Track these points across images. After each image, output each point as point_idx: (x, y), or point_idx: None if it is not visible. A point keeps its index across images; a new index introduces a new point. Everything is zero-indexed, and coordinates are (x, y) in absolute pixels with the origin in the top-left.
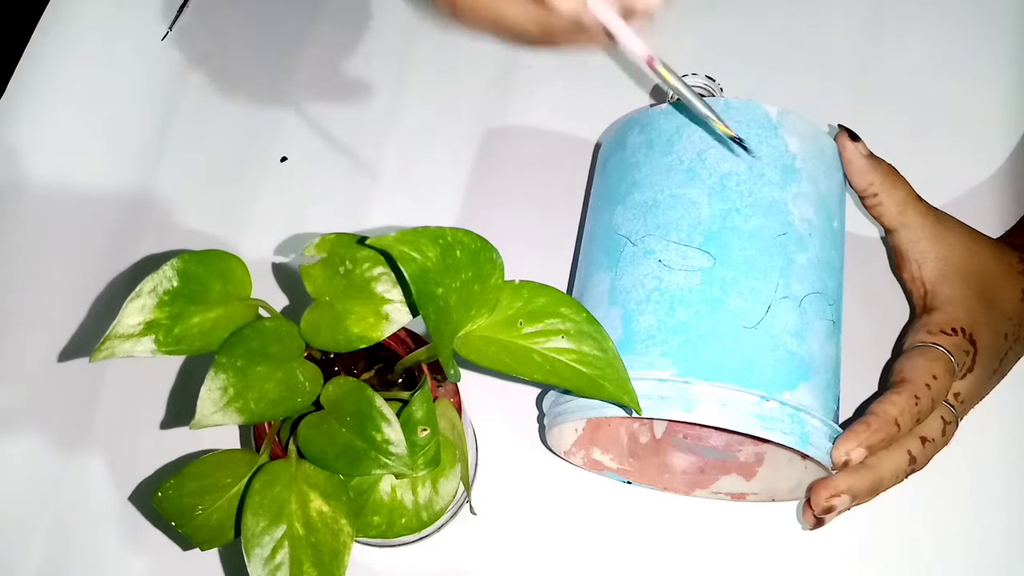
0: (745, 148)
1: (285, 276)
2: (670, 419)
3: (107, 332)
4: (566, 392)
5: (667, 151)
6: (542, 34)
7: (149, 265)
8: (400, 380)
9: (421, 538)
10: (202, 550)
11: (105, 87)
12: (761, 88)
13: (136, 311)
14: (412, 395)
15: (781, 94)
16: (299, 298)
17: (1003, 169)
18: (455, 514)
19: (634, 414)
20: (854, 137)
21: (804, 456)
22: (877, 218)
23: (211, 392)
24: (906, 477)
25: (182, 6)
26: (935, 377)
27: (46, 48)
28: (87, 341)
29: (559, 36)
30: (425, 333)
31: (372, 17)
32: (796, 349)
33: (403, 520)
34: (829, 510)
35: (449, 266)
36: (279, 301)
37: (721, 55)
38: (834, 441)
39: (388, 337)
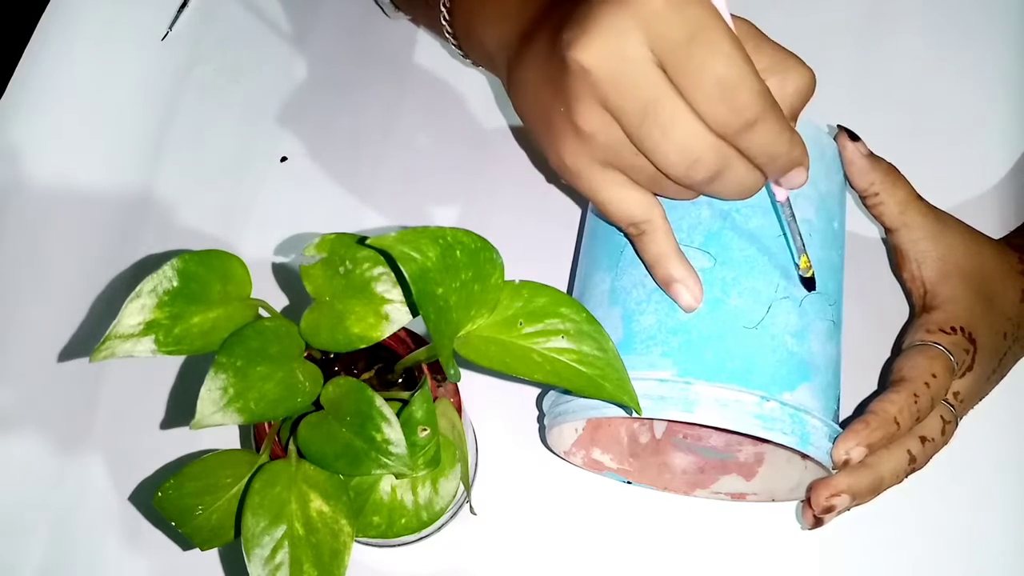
0: (811, 287)
1: (285, 276)
2: (670, 419)
3: (107, 332)
4: (566, 392)
5: None
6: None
7: (149, 265)
8: (400, 380)
9: (421, 538)
10: (202, 550)
11: (105, 87)
12: None
13: (136, 311)
14: (412, 395)
15: None
16: (299, 298)
17: (1004, 170)
18: (455, 514)
19: (634, 414)
20: (854, 137)
21: (804, 456)
22: (878, 218)
23: (211, 392)
24: (906, 477)
25: (182, 6)
26: (934, 376)
27: (46, 48)
28: (87, 341)
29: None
30: (425, 333)
31: (372, 16)
32: (796, 349)
33: (403, 520)
34: (829, 510)
35: (449, 266)
36: (279, 301)
37: None
38: (834, 441)
39: (388, 337)
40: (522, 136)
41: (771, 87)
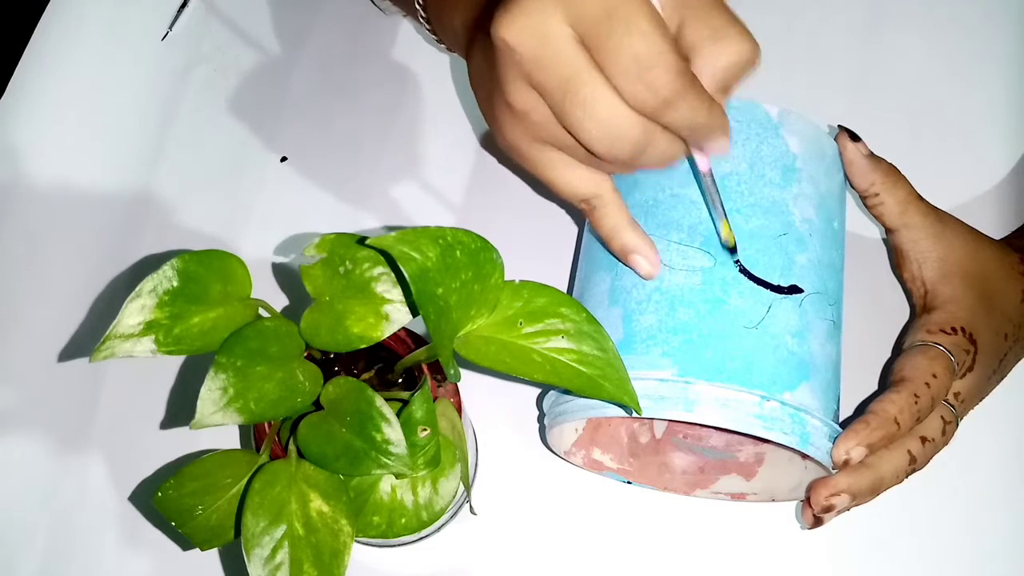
0: (736, 262)
1: (285, 276)
2: (670, 419)
3: (107, 332)
4: (566, 392)
5: None
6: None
7: (149, 265)
8: (400, 380)
9: (421, 538)
10: (202, 550)
11: (105, 87)
12: (761, 88)
13: (136, 311)
14: (412, 395)
15: (781, 94)
16: (299, 298)
17: (1004, 170)
18: (455, 514)
19: (634, 414)
20: (854, 137)
21: (804, 456)
22: (878, 218)
23: (211, 392)
24: (906, 477)
25: (182, 6)
26: (935, 376)
27: (46, 48)
28: (87, 341)
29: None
30: (425, 333)
31: (372, 17)
32: (797, 349)
33: (403, 520)
34: (828, 509)
35: (449, 266)
36: (279, 301)
37: None
38: (834, 441)
39: (388, 337)
40: (474, 120)
41: (705, 57)
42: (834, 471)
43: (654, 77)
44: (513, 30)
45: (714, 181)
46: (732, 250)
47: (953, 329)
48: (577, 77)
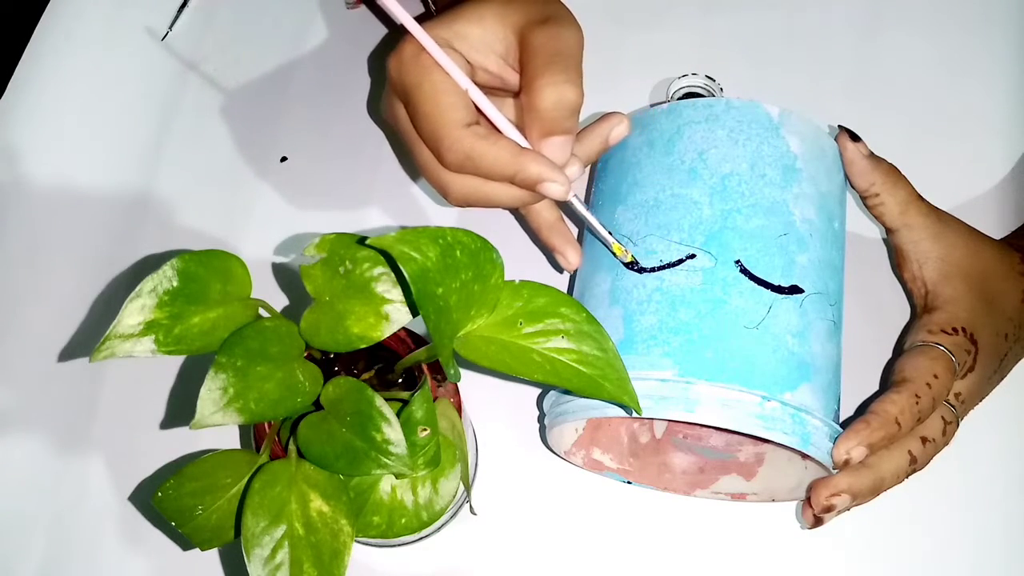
0: (638, 270)
1: (285, 276)
2: (671, 419)
3: (107, 332)
4: (566, 392)
5: (668, 151)
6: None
7: (149, 265)
8: (400, 380)
9: (421, 538)
10: (202, 550)
11: (105, 87)
12: (761, 88)
13: (136, 311)
14: (412, 395)
15: (781, 94)
16: (299, 298)
17: (1004, 170)
18: (455, 514)
19: (634, 414)
20: (855, 137)
21: (805, 456)
22: (879, 218)
23: (211, 392)
24: (907, 477)
25: (182, 6)
26: (936, 376)
27: (46, 48)
28: (87, 341)
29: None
30: (425, 333)
31: (372, 16)
32: (797, 349)
33: (403, 520)
34: (829, 509)
35: (449, 266)
36: (279, 301)
37: (721, 55)
38: (835, 441)
39: (388, 337)
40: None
41: (535, 97)
42: (834, 471)
43: (442, 153)
44: (381, 110)
45: (584, 209)
46: (632, 266)
47: (954, 329)
48: (412, 145)
